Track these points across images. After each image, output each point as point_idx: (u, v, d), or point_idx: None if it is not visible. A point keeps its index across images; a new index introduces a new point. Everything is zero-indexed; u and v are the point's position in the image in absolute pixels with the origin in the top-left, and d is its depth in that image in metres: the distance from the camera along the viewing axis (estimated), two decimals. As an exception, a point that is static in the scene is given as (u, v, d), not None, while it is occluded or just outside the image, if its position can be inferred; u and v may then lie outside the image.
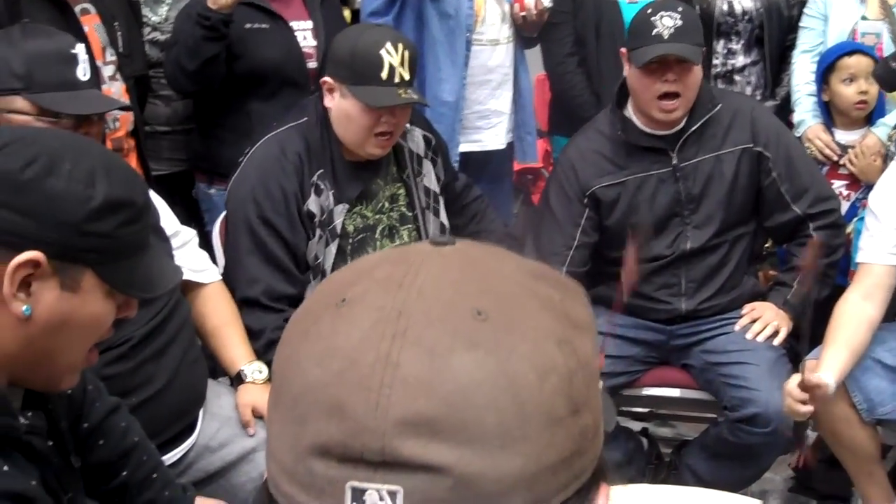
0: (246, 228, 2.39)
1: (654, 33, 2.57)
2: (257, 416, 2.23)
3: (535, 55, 3.59)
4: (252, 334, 2.36)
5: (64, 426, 1.36)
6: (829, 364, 2.41)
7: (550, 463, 0.61)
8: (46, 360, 1.22)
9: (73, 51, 1.91)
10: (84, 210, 1.17)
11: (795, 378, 2.40)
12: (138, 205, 1.23)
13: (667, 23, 2.56)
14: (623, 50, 2.70)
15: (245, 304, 2.39)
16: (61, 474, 1.29)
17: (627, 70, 2.66)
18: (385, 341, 0.61)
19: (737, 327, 2.78)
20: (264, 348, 2.32)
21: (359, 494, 0.59)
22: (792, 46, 3.39)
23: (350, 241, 2.52)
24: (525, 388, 0.60)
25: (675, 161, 2.72)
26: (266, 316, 2.36)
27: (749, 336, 2.75)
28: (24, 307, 1.16)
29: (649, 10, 2.62)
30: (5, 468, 1.11)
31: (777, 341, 2.75)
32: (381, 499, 0.59)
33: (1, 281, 1.14)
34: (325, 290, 0.68)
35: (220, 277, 2.46)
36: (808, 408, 2.38)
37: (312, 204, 2.42)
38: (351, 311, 0.63)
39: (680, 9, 2.61)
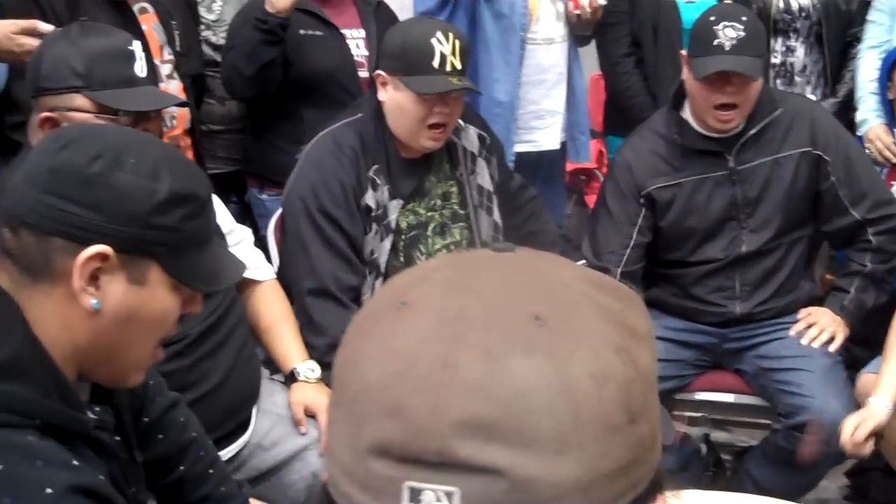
0: (308, 221, 2.40)
1: (715, 43, 2.52)
2: (309, 414, 2.24)
3: (589, 54, 3.57)
4: (317, 330, 2.36)
5: (128, 421, 1.38)
6: (886, 385, 2.38)
7: (607, 470, 0.61)
8: (114, 355, 1.24)
9: (131, 48, 1.92)
10: (150, 203, 1.18)
11: (851, 421, 2.38)
12: (202, 198, 1.24)
13: (729, 34, 2.51)
14: (683, 53, 2.67)
15: (312, 294, 2.39)
16: (126, 469, 1.30)
17: (686, 74, 2.64)
18: (443, 344, 0.61)
19: (792, 332, 2.74)
20: (326, 348, 2.32)
21: (416, 494, 0.59)
22: (852, 42, 3.33)
23: (403, 237, 2.52)
24: (581, 395, 0.61)
25: (731, 164, 2.68)
26: (334, 310, 2.36)
27: (804, 341, 2.71)
28: (94, 300, 1.17)
29: (712, 18, 2.57)
30: (75, 462, 1.12)
31: (833, 348, 2.70)
32: (438, 499, 0.59)
33: (70, 274, 1.16)
34: (386, 292, 0.69)
35: (275, 276, 2.47)
36: (869, 447, 2.36)
37: (369, 198, 2.43)
38: (410, 314, 0.64)
39: (744, 18, 2.56)
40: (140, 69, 1.92)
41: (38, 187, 1.16)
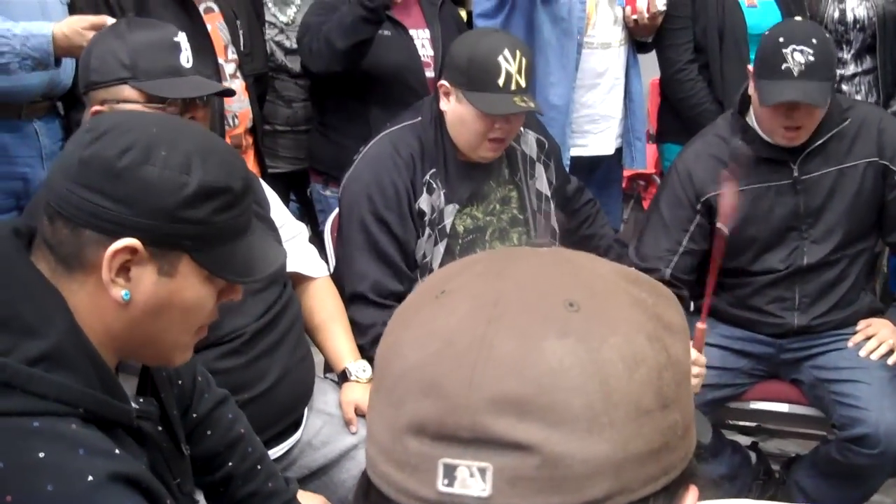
0: (359, 224, 2.41)
1: (783, 68, 2.46)
2: (360, 414, 2.24)
3: (649, 58, 3.53)
4: (358, 329, 2.38)
5: (175, 415, 1.39)
6: None
7: (638, 452, 0.62)
8: (151, 341, 1.24)
9: (176, 39, 1.95)
10: (178, 197, 1.18)
11: None
12: (235, 190, 1.23)
13: (798, 59, 2.45)
14: (750, 68, 2.62)
15: (353, 299, 2.42)
16: (170, 460, 1.32)
17: (753, 90, 2.58)
18: (481, 325, 0.63)
19: (850, 343, 2.70)
20: (370, 344, 2.33)
21: (450, 471, 0.61)
22: None
23: (460, 241, 2.52)
24: (613, 377, 0.62)
25: (796, 173, 2.63)
26: (372, 311, 2.38)
27: (863, 354, 2.67)
28: (124, 292, 1.18)
29: (781, 40, 2.49)
30: (116, 451, 1.14)
31: (892, 360, 2.65)
32: (472, 475, 0.61)
33: (101, 266, 1.17)
34: (427, 284, 0.71)
35: (328, 273, 2.49)
36: None
37: (424, 202, 2.44)
38: (449, 300, 0.66)
39: (814, 41, 2.48)
40: (185, 59, 1.95)
41: (70, 178, 1.17)
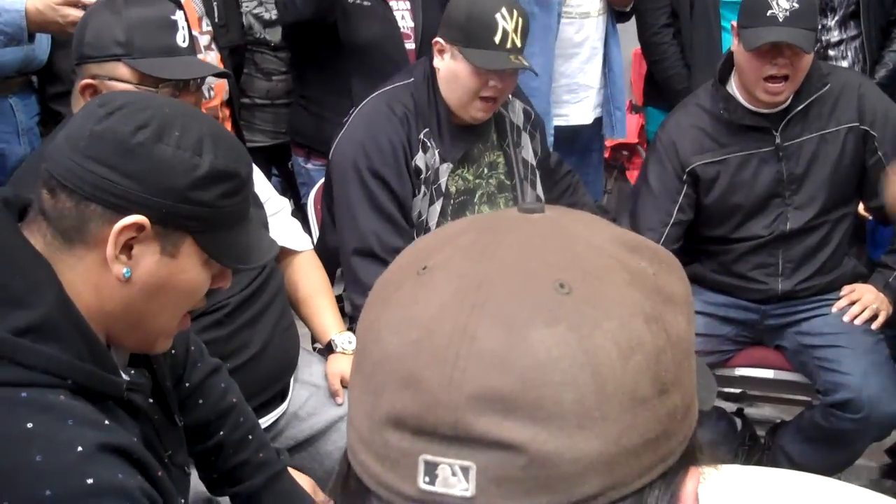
0: (357, 180, 2.40)
1: (768, 14, 2.47)
2: (346, 386, 2.24)
3: (631, 29, 3.53)
4: (362, 289, 2.36)
5: (168, 386, 1.38)
6: None
7: (632, 445, 0.58)
8: (141, 322, 1.24)
9: (174, 17, 1.92)
10: (189, 178, 1.18)
11: None
12: (241, 176, 1.24)
13: (783, 4, 2.46)
14: (733, 23, 2.62)
15: (357, 253, 2.39)
16: (162, 432, 1.31)
17: (735, 45, 2.59)
18: (463, 313, 0.59)
19: (834, 309, 2.71)
20: None
21: (431, 468, 0.58)
22: (894, 23, 3.26)
23: (452, 201, 2.52)
24: (606, 366, 0.58)
25: (778, 140, 2.64)
26: (378, 270, 2.34)
27: (846, 319, 2.69)
28: (125, 269, 1.17)
29: None
30: (107, 422, 1.13)
31: (875, 325, 2.67)
32: (454, 474, 0.58)
33: (105, 241, 1.16)
34: (409, 255, 0.67)
35: (312, 247, 2.47)
36: None
37: (419, 160, 2.43)
38: (431, 279, 0.62)
39: None
40: (182, 39, 1.91)
41: (79, 151, 1.16)
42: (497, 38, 2.35)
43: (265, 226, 2.07)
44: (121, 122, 1.17)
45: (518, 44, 2.37)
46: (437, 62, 2.44)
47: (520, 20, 2.38)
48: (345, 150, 2.44)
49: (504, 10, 2.36)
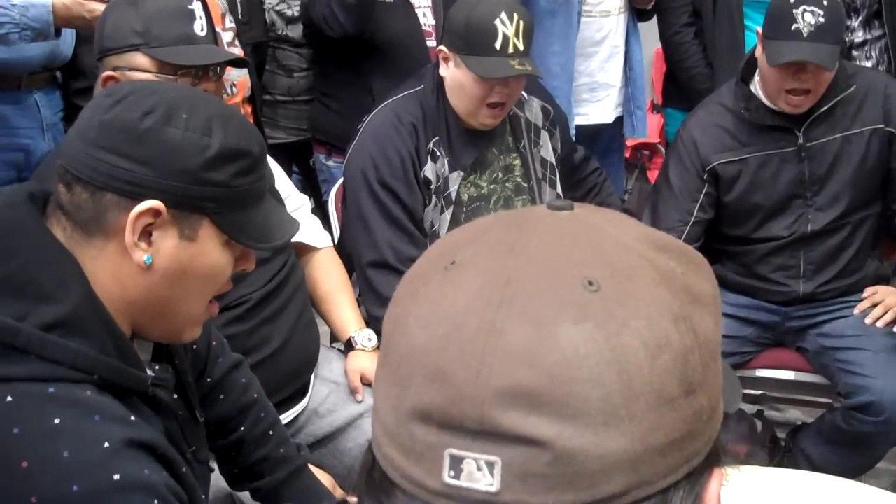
0: (368, 192, 2.40)
1: (793, 28, 2.44)
2: (366, 382, 2.24)
3: (653, 28, 3.52)
4: (379, 300, 2.36)
5: (190, 382, 1.38)
6: None
7: (658, 444, 0.58)
8: (167, 310, 1.23)
9: (191, 7, 1.93)
10: (201, 158, 1.17)
11: None
12: (254, 154, 1.23)
13: (808, 19, 2.43)
14: (759, 29, 2.59)
15: (372, 266, 2.39)
16: (185, 427, 1.31)
17: (760, 53, 2.56)
18: (490, 308, 0.59)
19: (856, 311, 2.70)
20: None
21: (457, 462, 0.58)
22: None
23: (464, 209, 2.51)
24: (634, 365, 0.58)
25: (800, 140, 2.62)
26: (395, 281, 2.34)
27: (868, 321, 2.67)
28: (146, 256, 1.17)
29: (792, 0, 2.48)
30: (132, 418, 1.13)
31: (898, 328, 2.66)
32: (479, 468, 0.57)
33: (123, 230, 1.16)
34: (437, 250, 0.67)
35: (332, 244, 2.48)
36: None
37: (429, 170, 2.42)
38: (459, 275, 0.62)
39: (824, 2, 2.46)
40: (200, 28, 1.92)
41: (90, 142, 1.16)
42: (498, 45, 2.32)
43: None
44: (128, 110, 1.17)
45: (521, 47, 2.35)
46: (443, 70, 2.43)
47: (521, 23, 2.34)
48: (355, 162, 2.45)
49: (503, 15, 2.33)
